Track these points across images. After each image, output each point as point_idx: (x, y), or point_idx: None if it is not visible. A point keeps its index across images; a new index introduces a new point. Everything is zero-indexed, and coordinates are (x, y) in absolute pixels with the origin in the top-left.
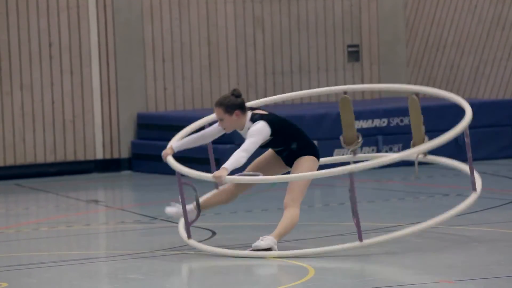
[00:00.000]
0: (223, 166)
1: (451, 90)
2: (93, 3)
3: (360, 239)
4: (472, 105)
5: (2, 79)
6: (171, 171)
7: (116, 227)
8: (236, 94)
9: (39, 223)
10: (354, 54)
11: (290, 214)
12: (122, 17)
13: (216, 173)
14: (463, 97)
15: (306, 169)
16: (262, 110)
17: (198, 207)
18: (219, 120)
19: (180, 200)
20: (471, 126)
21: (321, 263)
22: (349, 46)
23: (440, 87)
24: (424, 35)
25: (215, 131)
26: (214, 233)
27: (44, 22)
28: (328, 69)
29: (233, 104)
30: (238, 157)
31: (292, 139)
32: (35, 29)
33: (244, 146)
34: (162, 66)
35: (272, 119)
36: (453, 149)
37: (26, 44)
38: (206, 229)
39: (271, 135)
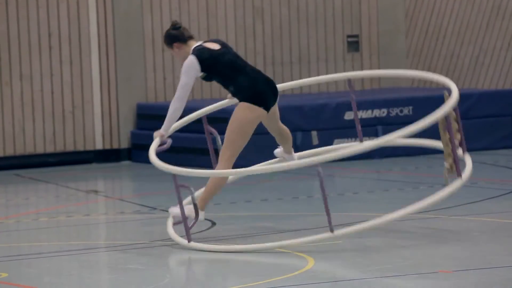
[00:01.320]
0: (160, 130)
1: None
2: None
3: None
4: (472, 95)
5: (1, 69)
6: (172, 161)
7: (115, 217)
8: (173, 26)
9: (39, 214)
10: (353, 44)
11: (214, 176)
12: (122, 8)
13: (155, 133)
14: (462, 87)
15: (235, 120)
16: (216, 43)
17: (196, 210)
18: None
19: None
20: (471, 116)
21: (321, 254)
22: (348, 36)
23: None
24: (424, 25)
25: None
26: (213, 223)
27: (44, 13)
28: (328, 60)
29: (169, 36)
30: (171, 112)
31: (228, 80)
32: (35, 19)
33: (176, 93)
34: (162, 56)
35: (205, 55)
36: None
37: (26, 35)
38: (206, 219)
39: (203, 71)
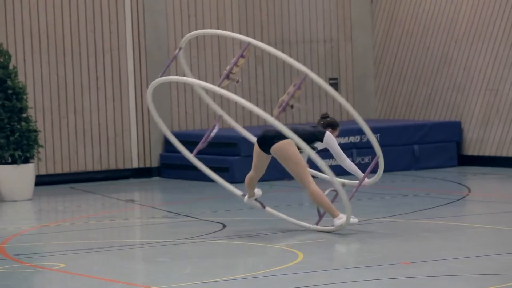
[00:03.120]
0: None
1: (409, 114)
2: (130, 46)
3: None
4: (426, 125)
5: (60, 105)
6: (192, 177)
7: (148, 221)
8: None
9: (89, 218)
10: (334, 85)
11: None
12: (153, 57)
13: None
14: (418, 119)
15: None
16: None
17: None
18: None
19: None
20: (425, 142)
21: (309, 250)
22: (330, 79)
23: (401, 112)
24: (389, 70)
25: None
26: (224, 226)
27: (93, 61)
28: (313, 98)
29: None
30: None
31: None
32: (86, 66)
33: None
34: (184, 95)
35: None
36: (410, 159)
37: (79, 78)
38: (218, 222)
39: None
